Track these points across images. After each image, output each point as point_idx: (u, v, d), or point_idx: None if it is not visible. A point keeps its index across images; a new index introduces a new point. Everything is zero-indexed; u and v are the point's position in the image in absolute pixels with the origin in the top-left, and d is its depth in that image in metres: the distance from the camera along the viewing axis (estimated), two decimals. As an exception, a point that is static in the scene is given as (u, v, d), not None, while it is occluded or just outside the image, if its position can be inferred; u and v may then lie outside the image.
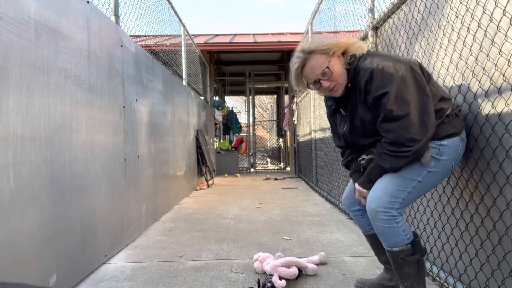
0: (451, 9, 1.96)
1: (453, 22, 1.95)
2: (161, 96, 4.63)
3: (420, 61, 2.33)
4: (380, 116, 1.67)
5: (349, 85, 1.79)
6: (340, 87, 1.80)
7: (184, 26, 6.82)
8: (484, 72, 1.69)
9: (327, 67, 1.75)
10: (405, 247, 1.73)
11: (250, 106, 12.37)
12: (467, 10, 1.81)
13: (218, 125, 11.33)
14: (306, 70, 1.80)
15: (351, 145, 1.96)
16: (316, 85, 1.82)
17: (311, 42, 1.82)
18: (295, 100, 8.99)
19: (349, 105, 1.84)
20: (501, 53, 1.57)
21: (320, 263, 2.60)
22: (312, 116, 6.64)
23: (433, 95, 1.68)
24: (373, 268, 2.45)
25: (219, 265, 2.65)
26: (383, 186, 1.74)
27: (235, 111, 12.38)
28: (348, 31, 4.40)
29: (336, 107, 1.95)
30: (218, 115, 10.43)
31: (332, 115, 2.06)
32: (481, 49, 1.71)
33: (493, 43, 1.62)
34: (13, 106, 1.79)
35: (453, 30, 1.95)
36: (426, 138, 1.61)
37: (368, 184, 1.81)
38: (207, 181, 7.57)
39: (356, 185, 1.87)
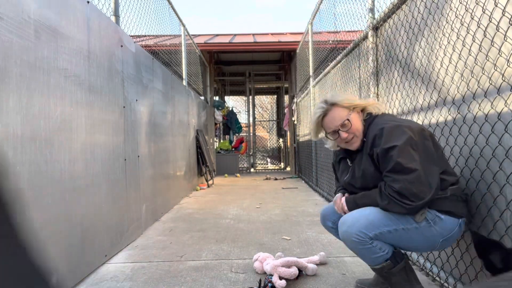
0: (451, 9, 1.97)
1: (453, 22, 1.95)
2: (161, 96, 4.63)
3: (419, 61, 2.33)
4: (386, 168, 1.66)
5: (364, 139, 1.83)
6: (357, 140, 1.84)
7: (184, 26, 6.82)
8: (483, 72, 1.69)
9: (348, 119, 1.82)
10: (385, 263, 1.74)
11: (250, 106, 12.37)
12: (467, 10, 1.81)
13: (218, 125, 11.33)
14: (326, 120, 1.87)
15: (350, 193, 1.99)
16: (334, 135, 1.87)
17: (334, 95, 1.89)
18: (295, 100, 9.00)
19: (357, 157, 1.87)
20: (500, 53, 1.57)
21: (320, 263, 2.60)
22: (312, 116, 6.63)
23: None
24: (373, 268, 2.45)
25: (219, 265, 2.65)
26: (366, 212, 1.75)
27: (235, 111, 12.38)
28: (348, 31, 4.41)
29: (344, 156, 1.99)
30: (218, 115, 10.43)
31: (337, 162, 2.09)
32: (480, 49, 1.71)
33: (492, 43, 1.62)
34: (13, 106, 1.79)
35: (452, 30, 1.95)
36: (428, 198, 1.61)
37: (353, 205, 1.83)
38: (207, 181, 7.57)
39: (345, 197, 1.89)
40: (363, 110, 1.88)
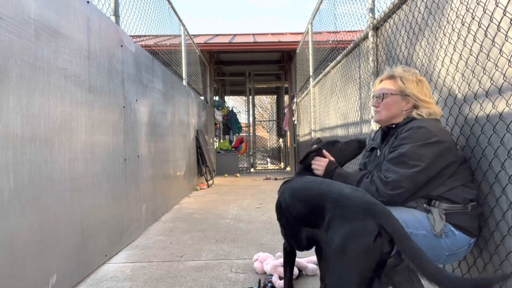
0: (452, 9, 1.96)
1: (454, 22, 1.94)
2: (161, 96, 4.62)
3: (420, 61, 2.33)
4: (390, 155, 1.67)
5: (393, 125, 1.85)
6: (380, 115, 1.88)
7: (184, 26, 6.82)
8: (484, 72, 1.69)
9: (385, 94, 1.84)
10: (389, 260, 1.72)
11: (250, 106, 12.37)
12: (468, 10, 1.81)
13: (218, 125, 11.33)
14: (381, 84, 1.91)
15: None
16: (374, 98, 1.94)
17: (400, 71, 1.85)
18: (295, 100, 8.99)
19: (384, 149, 1.86)
20: (501, 53, 1.56)
21: (321, 263, 2.59)
22: (312, 116, 6.64)
23: (456, 178, 1.65)
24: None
25: (219, 265, 2.65)
26: None
27: (235, 111, 12.38)
28: (349, 31, 4.40)
29: (375, 146, 1.99)
30: (218, 115, 10.42)
31: (368, 150, 2.09)
32: (481, 49, 1.71)
33: (493, 43, 1.62)
34: (13, 106, 1.78)
35: (453, 30, 1.95)
36: (400, 200, 1.64)
37: (329, 174, 1.86)
38: (207, 181, 7.57)
39: (330, 161, 1.91)
40: (416, 106, 1.80)
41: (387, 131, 1.90)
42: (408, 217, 1.66)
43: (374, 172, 1.73)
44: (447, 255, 1.66)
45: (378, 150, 1.94)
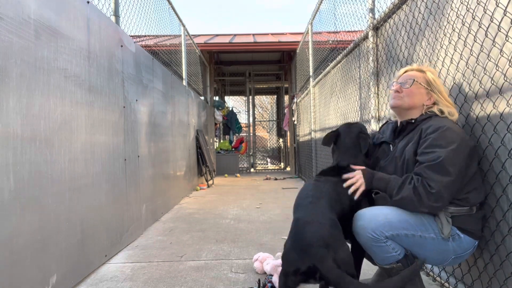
0: (452, 9, 1.96)
1: (454, 22, 1.94)
2: (161, 96, 4.62)
3: (420, 61, 2.33)
4: (426, 161, 1.61)
5: (413, 120, 1.81)
6: (400, 102, 1.83)
7: (184, 26, 6.82)
8: (485, 72, 1.69)
9: (412, 80, 1.81)
10: (395, 265, 1.69)
11: (250, 106, 12.37)
12: (468, 10, 1.81)
13: (218, 125, 11.32)
14: (408, 73, 1.88)
15: None
16: (396, 83, 1.89)
17: (430, 68, 1.87)
18: (295, 100, 8.99)
19: (399, 144, 1.83)
20: (502, 53, 1.56)
21: (321, 264, 2.59)
22: (312, 116, 6.64)
23: (474, 179, 1.65)
24: (374, 268, 2.44)
25: (219, 265, 2.64)
26: (386, 211, 1.70)
27: (235, 111, 12.37)
28: (349, 31, 4.40)
29: (386, 141, 1.96)
30: (218, 115, 10.42)
31: (376, 144, 2.05)
32: (482, 49, 1.71)
33: (494, 43, 1.62)
34: (13, 106, 1.78)
35: (453, 30, 1.95)
36: (435, 207, 1.59)
37: (369, 180, 1.78)
38: (207, 181, 7.57)
39: (363, 169, 1.84)
40: (437, 103, 1.80)
41: (405, 126, 1.85)
42: (416, 220, 1.66)
43: (415, 177, 1.64)
44: (453, 258, 1.67)
45: (391, 145, 1.92)
